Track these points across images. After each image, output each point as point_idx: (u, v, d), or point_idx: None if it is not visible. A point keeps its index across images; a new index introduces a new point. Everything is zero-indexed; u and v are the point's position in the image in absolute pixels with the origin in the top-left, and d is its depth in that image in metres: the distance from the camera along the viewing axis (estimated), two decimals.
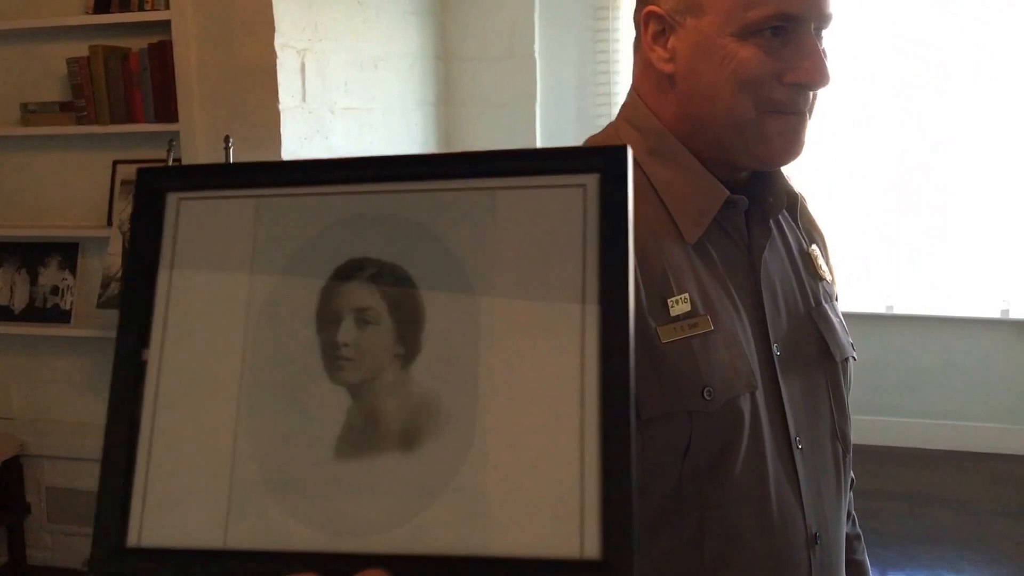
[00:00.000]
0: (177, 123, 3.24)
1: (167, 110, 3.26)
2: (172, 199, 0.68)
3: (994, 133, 4.38)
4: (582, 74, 4.42)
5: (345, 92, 3.56)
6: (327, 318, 0.64)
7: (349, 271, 0.65)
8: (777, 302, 1.07)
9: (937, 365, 4.54)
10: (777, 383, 1.04)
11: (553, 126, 4.38)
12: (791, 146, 1.02)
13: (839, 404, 1.11)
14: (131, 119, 3.31)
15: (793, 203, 1.14)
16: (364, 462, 0.61)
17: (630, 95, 1.12)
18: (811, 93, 1.01)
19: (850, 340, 1.14)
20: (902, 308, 4.55)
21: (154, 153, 3.34)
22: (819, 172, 4.43)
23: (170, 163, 3.23)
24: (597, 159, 0.65)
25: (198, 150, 3.23)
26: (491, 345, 0.62)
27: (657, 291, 1.00)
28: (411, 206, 0.66)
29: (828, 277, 1.16)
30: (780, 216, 1.13)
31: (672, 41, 1.03)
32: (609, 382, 0.60)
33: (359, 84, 3.66)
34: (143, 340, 0.66)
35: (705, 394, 0.98)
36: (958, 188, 4.49)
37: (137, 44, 3.28)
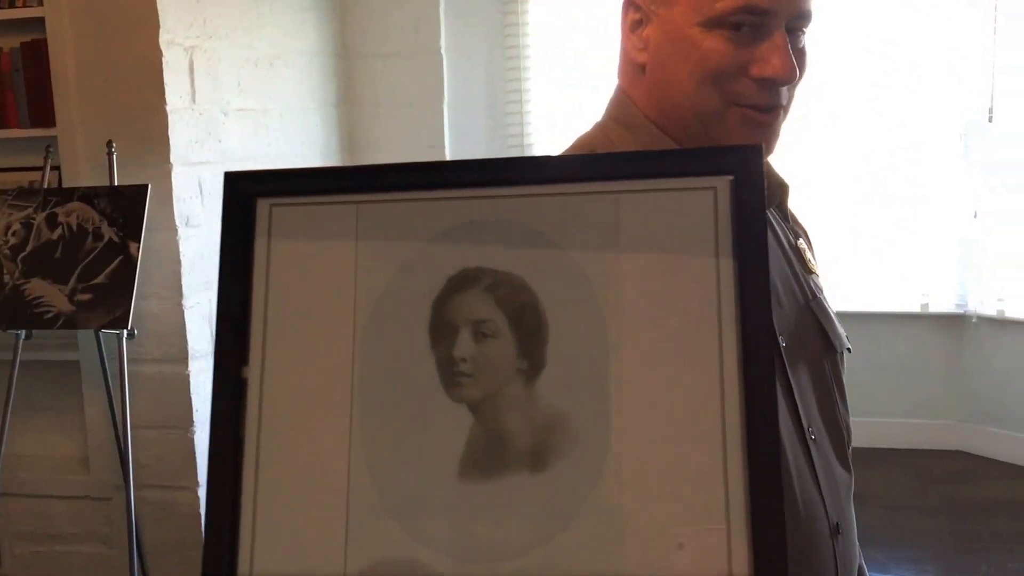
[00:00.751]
0: (54, 128, 3.03)
1: (43, 114, 3.04)
2: (263, 205, 0.65)
3: (908, 129, 4.39)
4: (491, 71, 4.28)
5: (239, 92, 3.35)
6: (442, 331, 0.61)
7: (463, 281, 0.62)
8: (778, 295, 1.06)
9: (858, 361, 4.50)
10: (787, 375, 1.02)
11: (463, 125, 4.23)
12: (755, 139, 0.98)
13: (842, 395, 1.11)
14: (3, 124, 3.10)
15: (785, 196, 1.13)
16: (491, 483, 0.58)
17: (616, 92, 1.10)
18: (782, 89, 0.99)
19: (844, 332, 1.14)
20: None
21: (30, 160, 3.10)
22: None
23: (47, 171, 3.01)
24: (728, 160, 0.62)
25: (79, 156, 3.01)
26: (621, 359, 0.59)
27: None
28: (527, 212, 0.63)
29: (817, 271, 1.16)
30: (770, 211, 1.11)
31: (647, 31, 1.02)
32: (753, 398, 0.57)
33: (254, 84, 3.45)
34: (242, 356, 0.62)
35: None
36: (876, 184, 4.49)
37: (8, 43, 3.07)
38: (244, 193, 0.66)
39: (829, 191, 4.49)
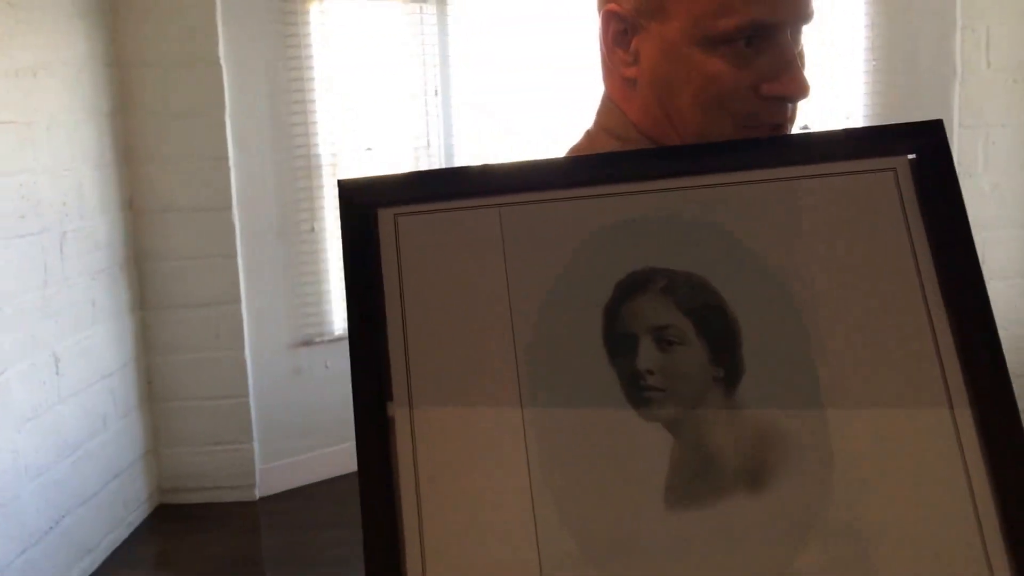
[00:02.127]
0: None
1: None
2: (386, 216, 0.56)
3: None
4: (274, 81, 4.21)
5: None
6: (619, 342, 0.54)
7: (634, 285, 0.56)
8: None
9: None
10: None
11: (246, 135, 4.14)
12: None
13: None
14: None
15: None
16: (706, 511, 0.50)
17: (603, 100, 1.01)
18: (790, 104, 0.91)
19: None
20: None
21: None
22: None
23: None
24: (909, 138, 0.57)
25: None
26: (827, 359, 0.52)
27: None
28: (694, 204, 0.56)
29: None
30: None
31: (635, 43, 0.93)
32: (980, 381, 0.51)
33: (15, 95, 3.25)
34: (384, 391, 0.52)
35: None
36: None
37: None
38: (359, 204, 0.57)
39: None
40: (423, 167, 4.60)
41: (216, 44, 3.98)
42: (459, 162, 4.70)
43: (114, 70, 3.94)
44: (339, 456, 4.50)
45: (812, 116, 4.34)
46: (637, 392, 0.54)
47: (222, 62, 4.01)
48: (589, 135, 1.02)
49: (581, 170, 0.59)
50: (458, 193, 0.58)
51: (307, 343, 4.39)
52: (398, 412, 0.53)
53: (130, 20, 3.94)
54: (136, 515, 4.02)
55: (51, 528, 3.37)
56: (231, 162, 4.06)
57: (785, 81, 0.86)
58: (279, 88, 4.22)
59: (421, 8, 4.53)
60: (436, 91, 4.60)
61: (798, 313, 0.54)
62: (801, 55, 0.90)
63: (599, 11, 0.97)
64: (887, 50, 4.08)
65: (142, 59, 3.97)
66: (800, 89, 0.87)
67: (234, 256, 4.10)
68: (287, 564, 3.82)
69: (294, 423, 4.38)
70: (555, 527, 0.51)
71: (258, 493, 4.26)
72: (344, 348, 4.45)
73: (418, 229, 0.57)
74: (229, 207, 4.07)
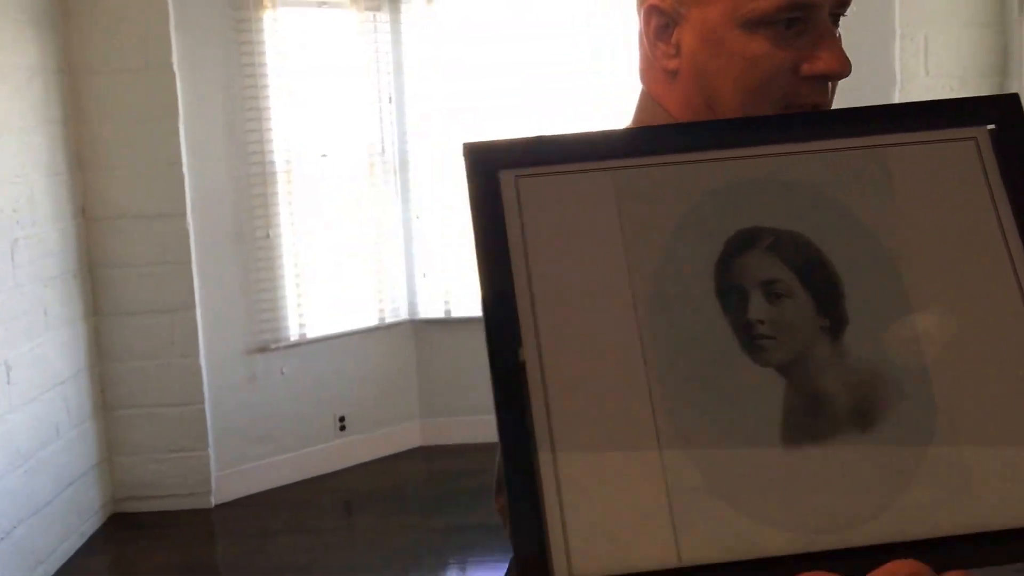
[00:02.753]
0: None
1: None
2: (507, 177, 0.60)
3: None
4: (228, 88, 4.21)
5: None
6: (730, 295, 0.58)
7: (742, 243, 0.59)
8: None
9: None
10: None
11: (200, 142, 4.13)
12: None
13: None
14: None
15: None
16: (820, 449, 0.55)
17: (641, 99, 1.03)
18: (830, 84, 0.92)
19: None
20: None
21: None
22: None
23: None
24: (987, 109, 0.61)
25: None
26: (925, 310, 0.58)
27: None
28: (795, 169, 0.61)
29: None
30: None
31: (676, 35, 0.94)
32: None
33: None
34: (515, 337, 0.56)
35: None
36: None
37: None
38: (485, 165, 0.61)
39: None
40: (378, 174, 4.63)
41: (169, 51, 3.98)
42: (413, 168, 4.73)
43: (66, 77, 3.92)
44: (295, 462, 4.50)
45: None
46: (750, 340, 0.58)
47: (175, 69, 4.00)
48: None
49: (690, 136, 0.63)
50: (573, 157, 0.62)
51: (262, 349, 4.38)
52: (529, 357, 0.56)
53: (82, 27, 3.93)
54: (90, 524, 3.98)
55: (3, 538, 3.33)
56: (185, 168, 4.06)
57: (826, 59, 0.88)
58: (233, 95, 4.22)
59: (375, 16, 4.56)
60: (390, 98, 4.63)
61: (895, 268, 0.59)
62: (840, 40, 0.92)
63: (639, 9, 0.98)
64: None
65: (94, 66, 3.95)
66: (841, 66, 0.89)
67: (188, 263, 4.09)
68: (243, 571, 3.81)
69: (250, 430, 4.37)
70: (680, 460, 0.55)
71: (214, 500, 4.25)
72: (299, 354, 4.45)
73: (538, 190, 0.61)
74: (183, 214, 4.06)
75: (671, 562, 0.53)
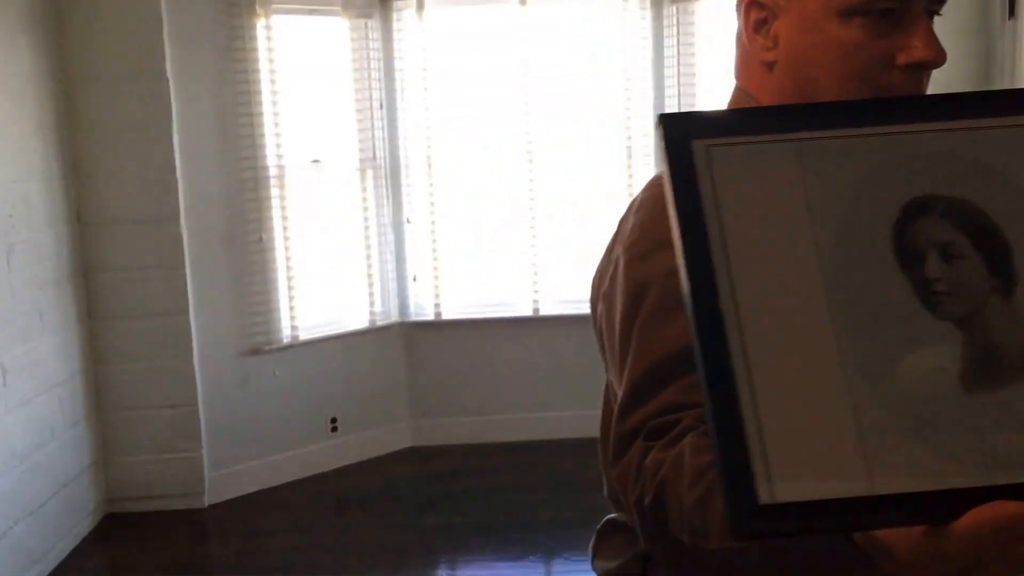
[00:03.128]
0: None
1: None
2: (699, 146, 0.65)
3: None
4: (221, 94, 4.27)
5: None
6: (908, 256, 0.63)
7: (917, 209, 0.64)
8: None
9: (580, 359, 4.86)
10: None
11: (193, 147, 4.19)
12: None
13: None
14: None
15: None
16: (998, 394, 0.60)
17: (736, 93, 1.05)
18: (925, 73, 0.94)
19: None
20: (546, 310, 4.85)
21: None
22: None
23: None
24: None
25: None
26: None
27: None
28: (965, 143, 0.66)
29: None
30: None
31: (774, 28, 0.97)
32: None
33: None
34: (713, 288, 0.62)
35: None
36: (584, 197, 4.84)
37: None
38: (679, 135, 0.66)
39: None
40: (369, 180, 4.69)
41: (163, 58, 4.04)
42: (404, 173, 4.79)
43: (61, 84, 3.98)
44: (287, 463, 4.56)
45: None
46: (928, 296, 0.62)
47: (169, 76, 4.06)
48: None
49: (867, 112, 0.69)
50: (760, 129, 0.68)
51: (255, 352, 4.44)
52: (725, 307, 0.63)
53: (78, 36, 3.98)
54: (85, 525, 4.04)
55: None
56: (178, 174, 4.11)
57: (921, 48, 0.91)
58: (226, 101, 4.28)
59: (366, 24, 4.62)
60: (381, 104, 4.69)
61: None
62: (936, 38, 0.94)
63: (738, 6, 1.01)
64: None
65: (89, 73, 4.01)
66: (936, 55, 0.91)
67: (182, 267, 4.14)
68: (236, 571, 3.87)
69: (243, 431, 4.43)
70: (867, 399, 0.60)
71: (207, 501, 4.30)
72: (291, 356, 4.51)
73: (728, 159, 0.66)
74: (177, 218, 4.11)
75: (863, 491, 0.58)
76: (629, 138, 4.76)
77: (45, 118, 3.87)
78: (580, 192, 4.95)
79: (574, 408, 4.89)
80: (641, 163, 4.79)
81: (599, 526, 1.22)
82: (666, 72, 4.69)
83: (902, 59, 0.92)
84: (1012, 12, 4.13)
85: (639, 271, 0.96)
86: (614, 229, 1.10)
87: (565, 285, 5.03)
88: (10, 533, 3.46)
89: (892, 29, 0.92)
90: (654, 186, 1.04)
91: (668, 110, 4.68)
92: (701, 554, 0.78)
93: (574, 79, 4.76)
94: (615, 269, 1.01)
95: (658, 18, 4.68)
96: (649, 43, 4.70)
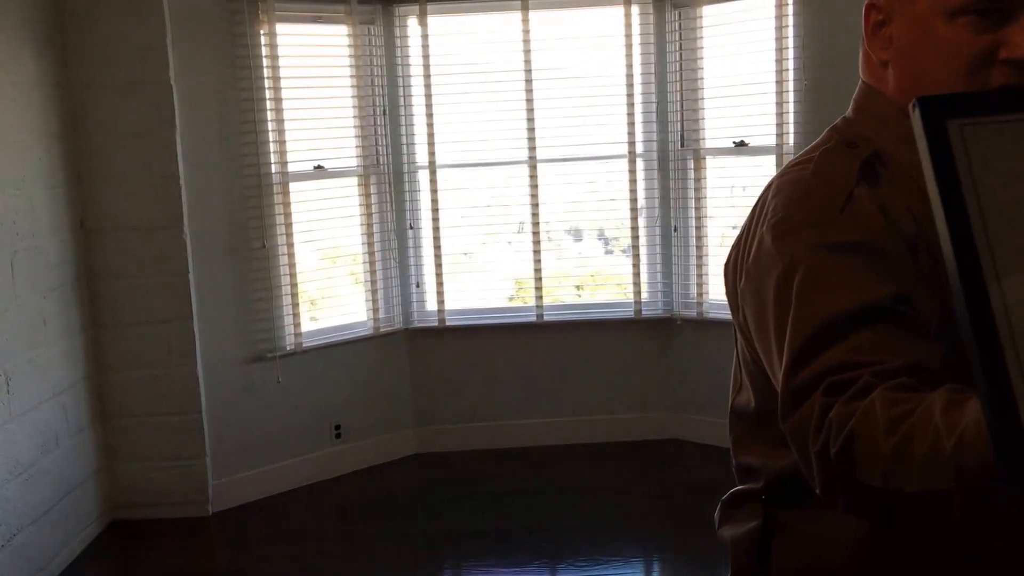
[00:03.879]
0: None
1: None
2: (954, 126, 0.72)
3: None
4: (224, 101, 4.29)
5: None
6: None
7: None
8: None
9: (576, 364, 4.89)
10: None
11: (196, 154, 4.22)
12: None
13: None
14: None
15: None
16: None
17: (862, 88, 1.15)
18: None
19: None
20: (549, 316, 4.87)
21: None
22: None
23: None
24: None
25: None
26: None
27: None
28: None
29: None
30: None
31: (889, 29, 1.06)
32: None
33: None
34: (975, 257, 0.69)
35: None
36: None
37: None
38: (936, 116, 0.73)
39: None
40: (372, 186, 4.71)
41: (167, 66, 4.06)
42: (407, 179, 4.81)
43: (64, 91, 4.01)
44: (291, 471, 4.58)
45: (745, 133, 4.52)
46: None
47: (172, 83, 4.09)
48: (848, 120, 1.17)
49: None
50: (1010, 108, 0.75)
51: (259, 359, 4.46)
52: (985, 268, 0.70)
53: (81, 43, 4.01)
54: (89, 531, 4.06)
55: (3, 546, 3.41)
56: (182, 181, 4.14)
57: (1022, 44, 0.97)
58: (229, 108, 4.30)
59: (369, 30, 4.65)
60: (384, 110, 4.71)
61: None
62: None
63: (864, 8, 1.10)
64: (816, 70, 4.28)
65: (92, 81, 4.04)
66: None
67: (186, 274, 4.17)
68: None
69: (246, 438, 4.45)
70: None
71: (211, 508, 4.32)
72: (294, 363, 4.53)
73: (982, 136, 0.73)
74: (180, 225, 4.14)
75: None
76: (632, 143, 4.77)
77: (49, 125, 3.90)
78: (583, 197, 4.97)
79: (578, 414, 4.92)
80: (643, 168, 4.81)
81: (725, 498, 1.30)
82: (669, 77, 4.72)
83: (1003, 54, 0.99)
84: None
85: (788, 246, 1.04)
86: (745, 213, 1.19)
87: (570, 291, 5.06)
88: (15, 540, 3.48)
89: (995, 25, 0.98)
90: (790, 171, 1.13)
91: (671, 116, 4.71)
92: (892, 497, 0.85)
93: (577, 85, 4.79)
94: (758, 247, 1.09)
95: (660, 23, 4.71)
96: (652, 48, 4.72)
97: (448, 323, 4.90)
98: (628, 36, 4.69)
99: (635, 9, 4.70)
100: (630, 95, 4.74)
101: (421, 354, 4.93)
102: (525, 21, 4.67)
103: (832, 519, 1.04)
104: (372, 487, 4.62)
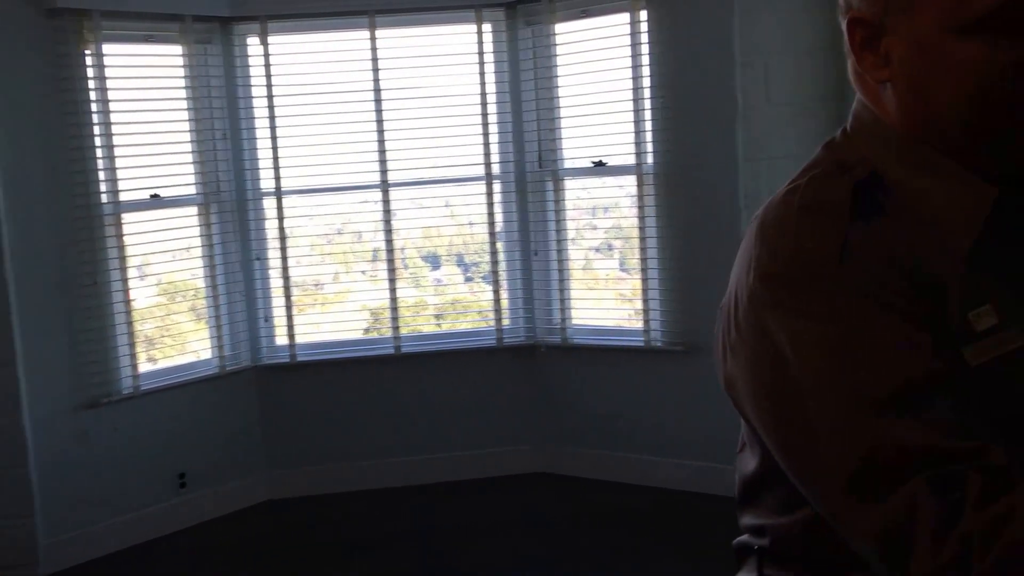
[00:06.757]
0: None
1: None
2: None
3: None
4: (48, 128, 4.22)
5: None
6: None
7: None
8: None
9: (447, 399, 4.95)
10: None
11: (18, 186, 4.12)
12: None
13: None
14: None
15: None
16: None
17: (859, 105, 1.07)
18: None
19: None
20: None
21: None
22: None
23: None
24: None
25: None
26: None
27: (956, 307, 0.95)
28: None
29: None
30: None
31: (884, 45, 0.98)
32: None
33: None
34: None
35: None
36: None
37: None
38: None
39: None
40: (214, 215, 4.69)
41: None
42: (252, 207, 4.81)
43: None
44: (133, 525, 4.49)
45: (604, 153, 4.71)
46: None
47: None
48: (845, 136, 1.08)
49: None
50: None
51: (93, 405, 4.37)
52: None
53: None
54: None
55: None
56: (2, 215, 4.04)
57: None
58: (53, 135, 4.23)
59: (206, 49, 4.65)
60: (224, 134, 4.71)
61: None
62: None
63: (842, 21, 1.02)
64: (672, 88, 4.49)
65: None
66: None
67: (7, 314, 4.06)
68: None
69: (81, 493, 4.35)
70: None
71: (41, 572, 4.20)
72: (133, 408, 4.46)
73: None
74: (2, 263, 4.03)
75: None
76: (489, 165, 4.91)
77: None
78: (440, 221, 5.08)
79: (442, 450, 5.00)
80: (501, 190, 4.94)
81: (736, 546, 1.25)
82: (525, 97, 4.88)
83: None
84: None
85: (789, 322, 0.95)
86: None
87: (427, 322, 5.14)
88: None
89: (1015, 40, 0.91)
90: (775, 205, 1.03)
91: (528, 136, 4.87)
92: None
93: (429, 105, 4.89)
94: (748, 316, 0.99)
95: (513, 41, 4.87)
96: (506, 67, 4.88)
97: (300, 359, 4.91)
98: (481, 54, 4.84)
99: (487, 27, 4.85)
100: (485, 115, 4.88)
101: (272, 393, 4.92)
102: (373, 39, 4.76)
103: None
104: (222, 537, 4.58)
